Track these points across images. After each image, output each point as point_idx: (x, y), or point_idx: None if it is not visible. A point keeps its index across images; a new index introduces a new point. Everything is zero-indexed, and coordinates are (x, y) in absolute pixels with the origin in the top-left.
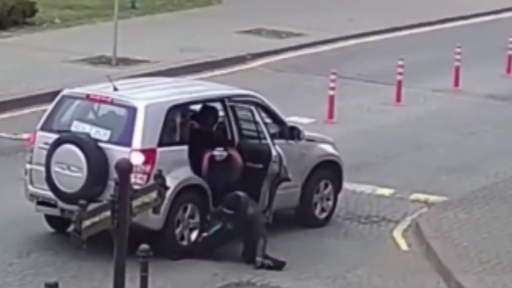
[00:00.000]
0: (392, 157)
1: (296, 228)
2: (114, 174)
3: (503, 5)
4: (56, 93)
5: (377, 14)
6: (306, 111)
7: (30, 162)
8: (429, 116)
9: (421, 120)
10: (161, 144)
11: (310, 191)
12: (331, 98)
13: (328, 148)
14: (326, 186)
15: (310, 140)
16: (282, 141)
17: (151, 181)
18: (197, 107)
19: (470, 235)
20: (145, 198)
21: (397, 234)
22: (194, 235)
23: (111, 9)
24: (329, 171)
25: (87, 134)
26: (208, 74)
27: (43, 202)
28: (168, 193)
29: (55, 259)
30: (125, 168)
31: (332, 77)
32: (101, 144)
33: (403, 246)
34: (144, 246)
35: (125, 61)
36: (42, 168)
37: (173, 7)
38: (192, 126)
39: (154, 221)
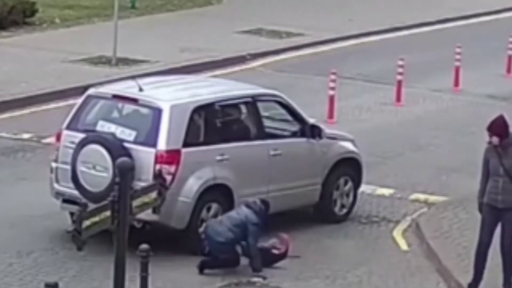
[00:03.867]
0: (392, 157)
1: (296, 228)
2: (139, 175)
3: (503, 5)
4: (56, 93)
5: (377, 14)
6: (306, 111)
7: (55, 161)
8: (429, 116)
9: (421, 120)
10: (185, 144)
11: (330, 188)
12: (331, 98)
13: (348, 146)
14: (346, 183)
15: (331, 137)
16: (303, 139)
17: (176, 182)
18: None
19: (470, 235)
20: (145, 198)
21: (397, 234)
22: None
23: (111, 9)
24: (349, 168)
25: (113, 134)
26: (208, 74)
27: (68, 200)
28: (192, 193)
29: (55, 259)
30: (125, 168)
31: (332, 77)
32: (127, 145)
33: (403, 246)
34: (144, 246)
35: (125, 61)
36: (68, 167)
37: (173, 7)
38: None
39: (178, 220)
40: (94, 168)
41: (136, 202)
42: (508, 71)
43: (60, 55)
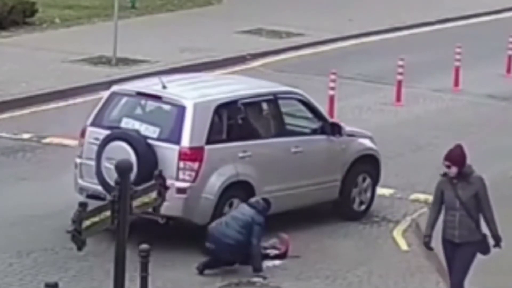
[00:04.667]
0: (392, 157)
1: (296, 228)
2: (163, 171)
3: (503, 5)
4: (56, 93)
5: (377, 14)
6: None
7: (80, 157)
8: (429, 116)
9: (421, 120)
10: (209, 142)
11: (349, 184)
12: (331, 98)
13: (367, 143)
14: (364, 179)
15: (350, 135)
16: (323, 136)
17: (199, 179)
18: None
19: None
20: (145, 198)
21: (397, 234)
22: None
23: (111, 9)
24: (368, 164)
25: (137, 131)
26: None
27: (92, 196)
28: (215, 189)
29: (55, 259)
30: (125, 168)
31: (332, 77)
32: (151, 141)
33: (403, 246)
34: (144, 246)
35: (125, 61)
36: (92, 163)
37: (173, 7)
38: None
39: (201, 216)
40: None
41: (136, 202)
42: (508, 71)
43: (60, 55)
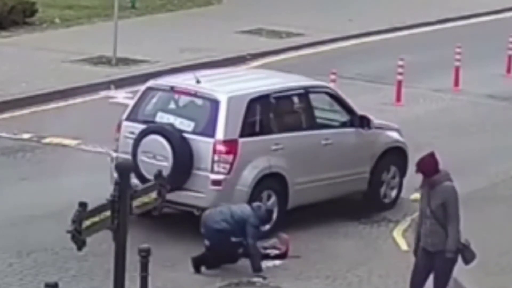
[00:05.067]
0: None
1: (296, 228)
2: (198, 164)
3: (503, 5)
4: (56, 93)
5: (377, 14)
6: None
7: (116, 150)
8: (429, 116)
9: (421, 120)
10: (242, 135)
11: (378, 176)
12: None
13: (394, 135)
14: (392, 171)
15: (378, 127)
16: (352, 129)
17: (234, 171)
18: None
19: (469, 235)
20: (145, 198)
21: (397, 234)
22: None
23: (111, 9)
24: (395, 156)
25: (172, 125)
26: None
27: None
28: (249, 181)
29: (55, 259)
30: (125, 168)
31: (332, 77)
32: (186, 135)
33: (403, 246)
34: (144, 246)
35: (125, 61)
36: (128, 157)
37: (173, 7)
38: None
39: None
40: (154, 157)
41: (136, 202)
42: (508, 71)
43: (60, 55)
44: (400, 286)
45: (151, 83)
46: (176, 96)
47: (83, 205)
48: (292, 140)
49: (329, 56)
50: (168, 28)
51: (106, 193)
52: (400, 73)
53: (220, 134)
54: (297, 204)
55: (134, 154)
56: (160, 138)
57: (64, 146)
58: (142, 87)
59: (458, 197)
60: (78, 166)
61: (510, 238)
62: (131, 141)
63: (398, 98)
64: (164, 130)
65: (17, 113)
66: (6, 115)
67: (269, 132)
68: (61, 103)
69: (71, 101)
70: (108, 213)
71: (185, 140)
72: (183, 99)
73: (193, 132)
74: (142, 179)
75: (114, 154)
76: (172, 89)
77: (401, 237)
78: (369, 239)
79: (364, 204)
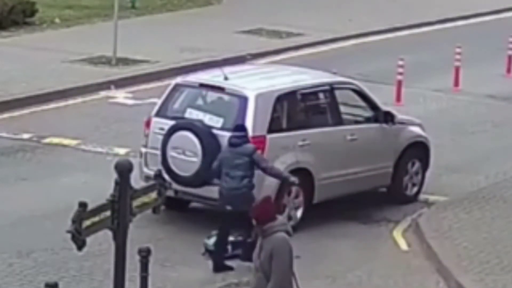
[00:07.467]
0: None
1: (295, 228)
2: None
3: (503, 5)
4: (56, 93)
5: (377, 14)
6: None
7: (145, 146)
8: (429, 116)
9: (421, 120)
10: (270, 131)
11: (401, 170)
12: None
13: (417, 130)
14: (415, 165)
15: (401, 123)
16: (377, 124)
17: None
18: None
19: (470, 235)
20: (145, 198)
21: (397, 234)
22: (299, 214)
23: (111, 9)
24: (418, 151)
25: (201, 121)
26: None
27: None
28: None
29: (55, 259)
30: (125, 168)
31: None
32: (215, 131)
33: (403, 246)
34: (144, 246)
35: (125, 61)
36: (157, 152)
37: (173, 7)
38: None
39: None
40: (184, 153)
41: (136, 202)
42: (508, 71)
43: (60, 55)
44: (400, 286)
45: (179, 79)
46: (205, 92)
47: (83, 205)
48: (319, 136)
49: (329, 56)
50: (168, 28)
51: (106, 193)
52: (400, 73)
53: (248, 130)
54: (323, 199)
55: (164, 149)
56: (189, 134)
57: (64, 146)
58: (171, 83)
59: (290, 251)
60: (78, 166)
61: (510, 238)
62: (160, 137)
63: (398, 98)
64: (193, 126)
65: (17, 113)
66: (6, 115)
67: (296, 128)
68: (61, 103)
69: (71, 101)
70: (108, 213)
71: (214, 136)
72: (212, 96)
73: (222, 128)
74: (171, 174)
75: (143, 150)
76: (200, 85)
77: (401, 237)
78: (369, 239)
79: (387, 198)
